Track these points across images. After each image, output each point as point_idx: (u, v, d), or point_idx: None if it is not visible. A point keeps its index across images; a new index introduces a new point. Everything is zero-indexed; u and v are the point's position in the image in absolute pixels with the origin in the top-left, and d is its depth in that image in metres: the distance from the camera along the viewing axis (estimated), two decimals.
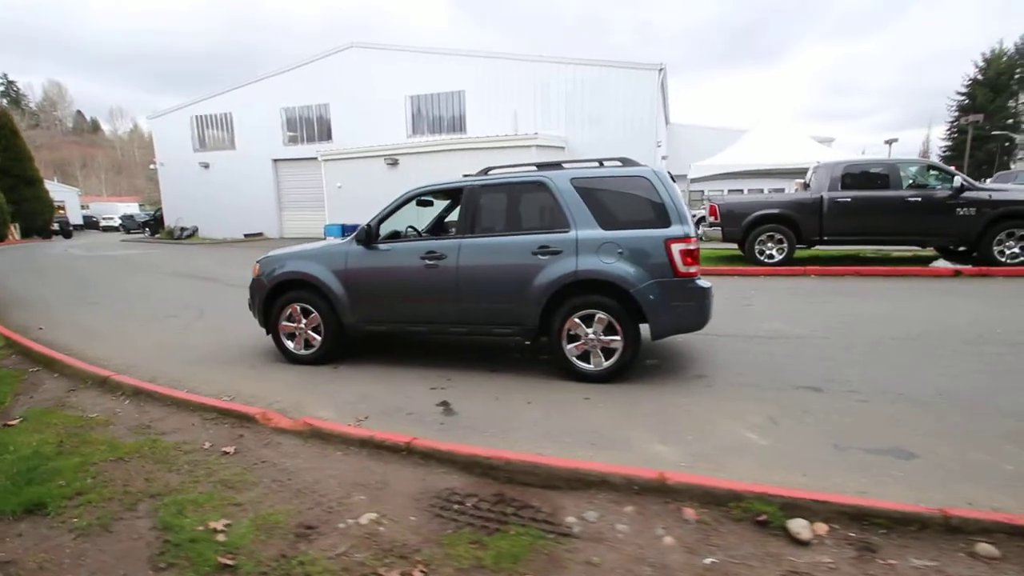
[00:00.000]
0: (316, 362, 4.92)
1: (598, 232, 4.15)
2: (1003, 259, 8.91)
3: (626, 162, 4.44)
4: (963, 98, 53.50)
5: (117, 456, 2.93)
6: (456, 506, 2.43)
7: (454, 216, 6.14)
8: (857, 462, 2.83)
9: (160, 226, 26.46)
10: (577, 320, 4.20)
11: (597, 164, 4.66)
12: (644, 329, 4.23)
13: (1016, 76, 51.49)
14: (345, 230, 18.33)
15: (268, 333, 5.18)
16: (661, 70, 18.67)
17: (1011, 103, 50.83)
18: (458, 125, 21.15)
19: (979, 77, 52.45)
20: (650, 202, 4.16)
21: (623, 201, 4.27)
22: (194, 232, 25.02)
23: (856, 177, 9.87)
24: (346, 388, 4.29)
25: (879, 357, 4.67)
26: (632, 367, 4.27)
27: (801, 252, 10.52)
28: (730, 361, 4.68)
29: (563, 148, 18.68)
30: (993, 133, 45.62)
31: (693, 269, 4.04)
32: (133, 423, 3.49)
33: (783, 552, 2.08)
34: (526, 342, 5.39)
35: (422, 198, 5.00)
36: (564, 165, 4.55)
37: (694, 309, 4.11)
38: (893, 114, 67.74)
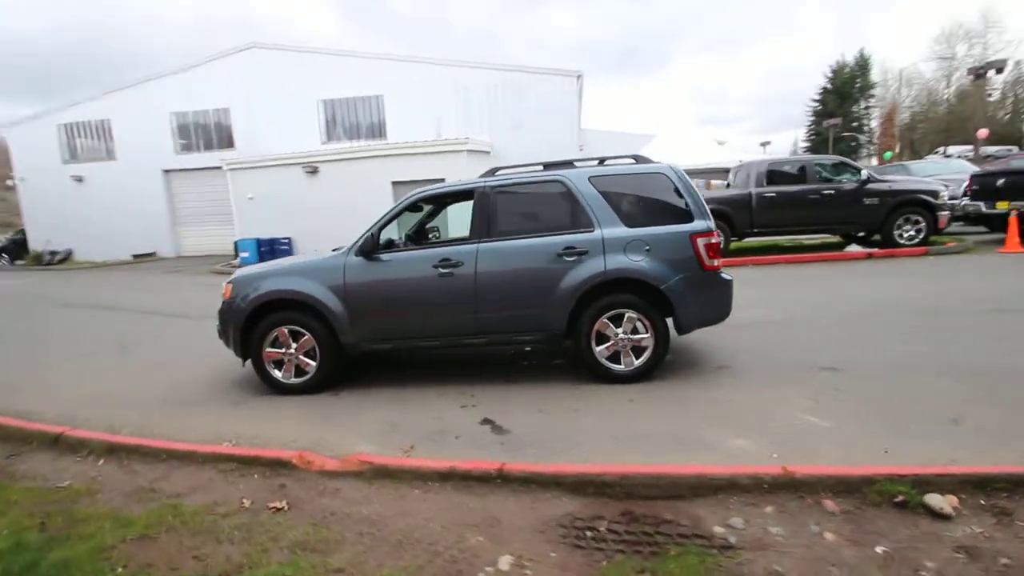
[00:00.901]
0: (310, 390, 4.37)
1: (624, 230, 4.08)
2: (902, 241, 10.19)
3: (639, 159, 4.42)
4: (817, 104, 61.27)
5: (138, 533, 2.32)
6: (589, 533, 2.20)
7: (435, 222, 5.84)
8: (919, 432, 2.99)
9: (24, 251, 22.58)
10: (606, 320, 4.10)
11: (597, 162, 4.61)
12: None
13: (857, 85, 59.98)
14: (261, 245, 16.85)
15: (245, 363, 4.52)
16: (580, 77, 19.27)
17: (854, 108, 59.12)
18: (378, 131, 20.32)
19: (828, 87, 60.40)
20: (670, 198, 4.17)
21: (643, 198, 4.24)
22: (68, 256, 21.65)
23: (778, 174, 10.80)
24: (364, 416, 3.83)
25: (861, 334, 5.05)
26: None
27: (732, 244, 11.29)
28: (738, 349, 4.83)
29: (489, 153, 18.59)
30: (843, 134, 52.46)
31: (717, 262, 4.10)
32: (128, 487, 2.82)
33: (937, 529, 2.11)
34: (526, 348, 5.20)
35: (418, 204, 4.59)
36: (576, 164, 4.44)
37: (719, 301, 4.17)
38: (760, 119, 76.11)
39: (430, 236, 5.73)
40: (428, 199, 4.53)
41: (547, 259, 4.09)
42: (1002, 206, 10.27)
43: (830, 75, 60.35)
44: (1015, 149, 33.13)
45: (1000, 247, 9.64)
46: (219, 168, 18.03)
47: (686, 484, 2.42)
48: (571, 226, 4.15)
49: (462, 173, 15.91)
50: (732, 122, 76.50)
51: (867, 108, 60.58)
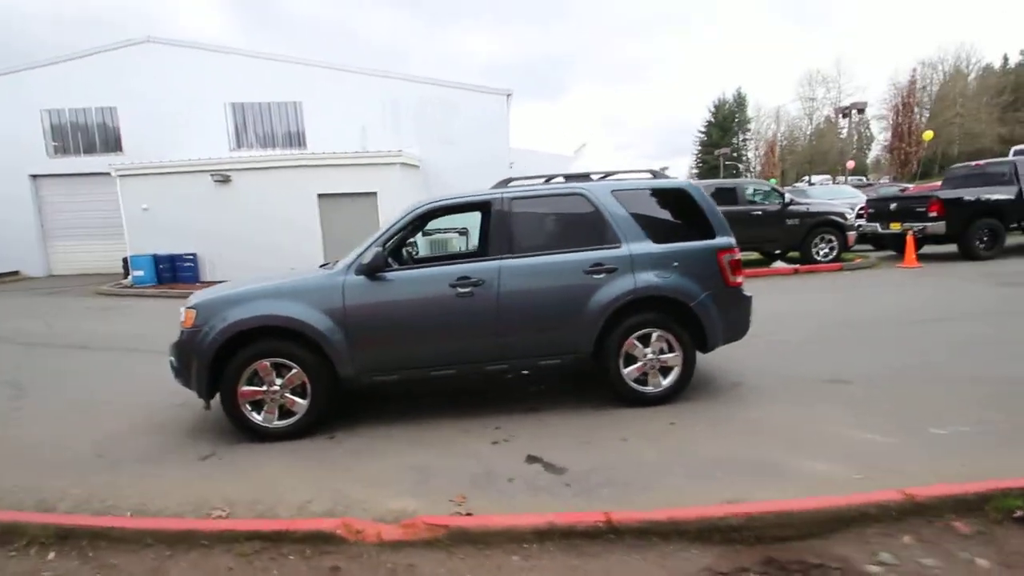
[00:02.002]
0: (298, 434, 3.68)
1: (651, 246, 3.92)
2: (819, 258, 11.20)
3: (656, 175, 4.32)
4: (704, 135, 67.71)
5: None
6: None
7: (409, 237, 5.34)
8: (969, 440, 3.08)
9: None
10: (634, 341, 3.90)
11: (602, 176, 4.45)
12: None
13: (736, 120, 67.18)
14: (159, 262, 14.85)
15: (208, 405, 3.74)
16: (509, 95, 19.40)
17: (734, 140, 66.07)
18: (296, 140, 18.94)
19: (712, 120, 67.02)
20: (691, 214, 4.09)
21: (664, 213, 4.12)
22: None
23: (713, 195, 11.45)
24: (381, 462, 3.27)
25: (839, 345, 5.32)
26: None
27: None
28: (738, 366, 4.81)
29: (418, 167, 18.05)
30: (726, 163, 58.23)
31: (740, 279, 4.07)
32: None
33: None
34: (524, 373, 4.85)
35: (427, 215, 4.07)
36: (592, 176, 4.24)
37: (741, 318, 4.14)
38: (653, 146, 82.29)
39: (408, 252, 5.23)
40: (439, 210, 4.04)
41: (575, 276, 3.81)
42: (895, 227, 11.65)
43: (713, 110, 67.15)
44: (864, 179, 38.78)
45: (899, 263, 10.88)
46: (105, 174, 15.70)
47: (817, 520, 2.23)
48: (596, 242, 3.92)
49: (395, 187, 15.23)
50: (627, 148, 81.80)
51: (744, 140, 67.97)
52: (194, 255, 15.20)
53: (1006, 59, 50.26)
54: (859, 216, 13.22)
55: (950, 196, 10.88)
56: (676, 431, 3.50)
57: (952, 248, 11.16)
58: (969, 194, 10.85)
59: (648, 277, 3.85)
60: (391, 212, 15.40)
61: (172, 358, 3.78)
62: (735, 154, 62.81)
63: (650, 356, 3.92)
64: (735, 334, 4.16)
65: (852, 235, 11.28)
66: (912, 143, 28.11)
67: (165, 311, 10.71)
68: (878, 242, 12.73)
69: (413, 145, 18.51)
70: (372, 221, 15.10)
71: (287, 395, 3.66)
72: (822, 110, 58.56)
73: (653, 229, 4.01)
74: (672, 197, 4.13)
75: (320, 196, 15.00)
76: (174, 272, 15.01)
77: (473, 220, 6.21)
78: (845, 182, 26.22)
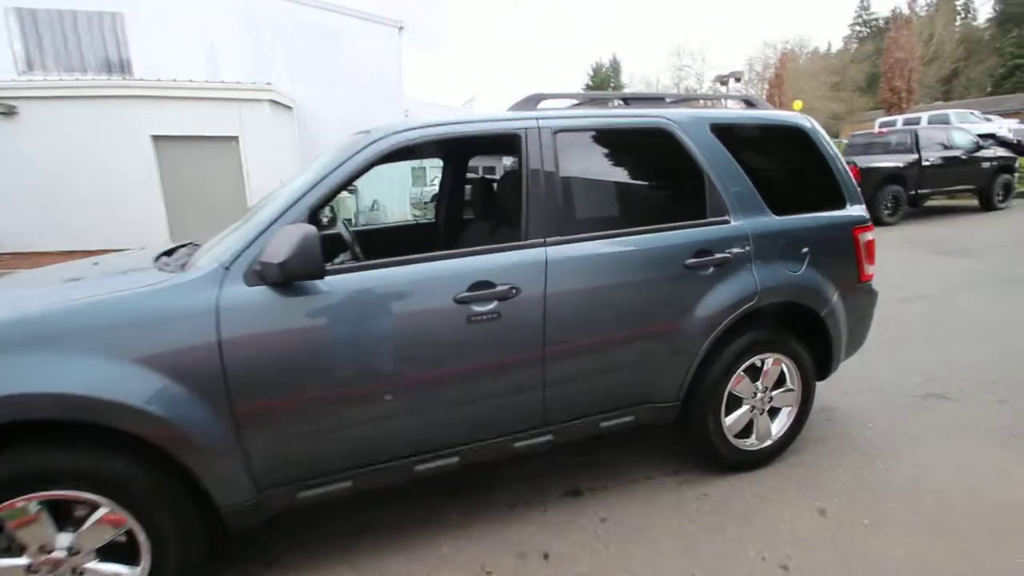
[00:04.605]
0: None
1: (771, 220, 2.39)
2: None
3: (754, 103, 2.75)
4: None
5: None
6: None
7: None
8: None
9: None
10: (741, 373, 2.40)
11: (676, 101, 2.78)
12: None
13: (611, 86, 69.10)
14: None
15: None
16: (401, 28, 16.60)
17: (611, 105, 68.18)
18: (117, 65, 14.37)
19: (590, 84, 68.24)
20: (813, 167, 2.62)
21: (781, 167, 2.61)
22: None
23: None
24: None
25: (894, 346, 4.35)
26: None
27: None
28: None
29: (291, 109, 14.77)
30: None
31: (872, 269, 2.73)
32: None
33: None
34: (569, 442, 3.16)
35: (396, 153, 2.04)
36: (666, 100, 2.54)
37: (866, 325, 2.82)
38: None
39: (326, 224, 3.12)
40: (421, 144, 2.01)
41: (669, 272, 2.17)
42: None
43: (591, 73, 68.42)
44: None
45: None
46: None
47: None
48: (692, 212, 2.28)
49: (264, 131, 12.14)
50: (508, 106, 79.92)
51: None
52: None
53: (829, 45, 57.01)
54: None
55: (865, 163, 10.98)
56: (842, 531, 2.09)
57: None
58: (879, 161, 11.10)
59: (773, 272, 2.34)
60: (260, 162, 12.25)
61: None
62: None
63: (759, 395, 2.47)
64: (854, 348, 2.84)
65: None
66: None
67: None
68: None
69: (284, 80, 15.05)
70: (235, 175, 11.88)
71: (90, 566, 1.59)
72: (687, 80, 62.12)
73: (770, 191, 2.48)
74: (786, 139, 2.60)
75: (156, 139, 11.38)
76: None
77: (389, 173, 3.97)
78: None
